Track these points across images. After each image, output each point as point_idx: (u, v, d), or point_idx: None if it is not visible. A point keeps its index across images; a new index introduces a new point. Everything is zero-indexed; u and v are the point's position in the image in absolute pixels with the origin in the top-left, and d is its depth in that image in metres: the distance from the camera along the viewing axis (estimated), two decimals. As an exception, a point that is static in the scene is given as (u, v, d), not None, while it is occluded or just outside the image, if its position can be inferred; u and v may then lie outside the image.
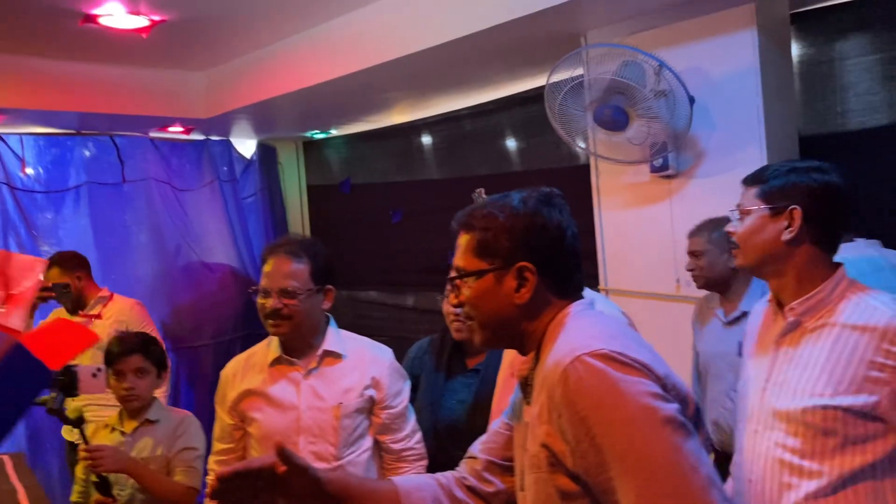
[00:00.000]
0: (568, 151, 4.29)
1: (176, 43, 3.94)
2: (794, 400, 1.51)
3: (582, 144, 3.23)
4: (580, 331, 1.19)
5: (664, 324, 3.12)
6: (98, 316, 3.63)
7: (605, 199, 3.40)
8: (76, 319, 3.61)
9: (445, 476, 1.43)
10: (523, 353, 1.33)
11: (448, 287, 2.36)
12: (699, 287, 2.81)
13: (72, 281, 3.64)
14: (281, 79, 4.17)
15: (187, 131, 5.21)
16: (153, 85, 4.53)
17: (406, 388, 2.24)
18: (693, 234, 2.79)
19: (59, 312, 3.75)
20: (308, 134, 5.96)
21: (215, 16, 3.58)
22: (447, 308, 2.38)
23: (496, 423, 1.47)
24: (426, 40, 3.36)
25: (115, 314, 3.66)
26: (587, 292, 1.35)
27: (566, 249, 1.28)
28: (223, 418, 2.19)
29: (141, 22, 3.46)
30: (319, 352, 2.12)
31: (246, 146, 5.88)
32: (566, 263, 1.29)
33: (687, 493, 1.03)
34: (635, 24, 3.11)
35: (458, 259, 1.32)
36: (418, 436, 2.26)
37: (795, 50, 3.20)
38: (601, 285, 3.42)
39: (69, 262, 3.70)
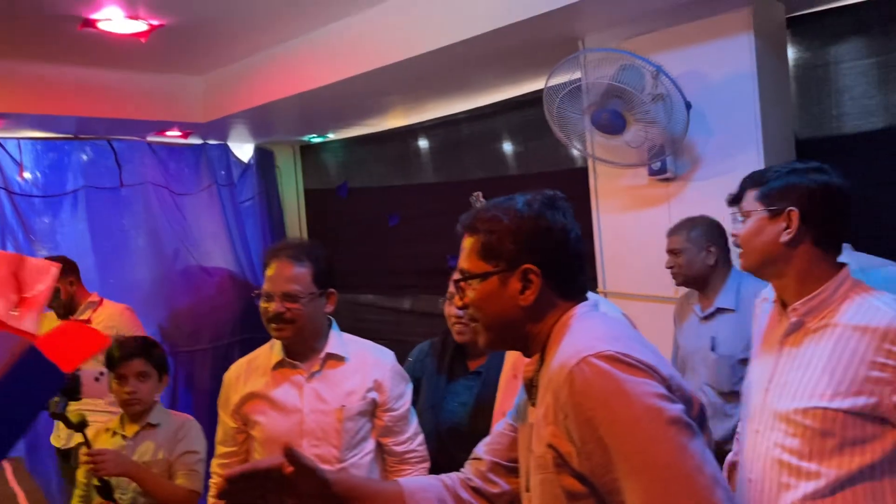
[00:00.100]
0: (566, 155, 4.30)
1: (174, 47, 3.95)
2: (794, 401, 1.52)
3: (580, 147, 3.25)
4: (585, 332, 1.20)
5: (662, 326, 3.13)
6: (88, 321, 3.62)
7: (603, 202, 3.41)
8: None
9: (450, 477, 1.44)
10: (528, 354, 1.33)
11: (449, 289, 2.39)
12: (678, 284, 2.90)
13: (63, 286, 3.63)
14: (278, 83, 4.18)
15: (185, 135, 5.22)
16: (151, 89, 4.53)
17: (408, 390, 2.25)
18: (672, 233, 2.87)
19: (49, 317, 3.74)
20: (306, 138, 5.96)
21: (213, 20, 3.58)
22: (449, 310, 2.40)
23: (500, 425, 1.48)
24: (424, 44, 3.37)
25: (105, 319, 3.64)
26: (590, 295, 1.37)
27: (570, 252, 1.29)
28: (226, 422, 2.19)
29: (139, 26, 3.47)
30: (322, 355, 2.13)
31: (243, 150, 5.88)
32: (570, 266, 1.30)
33: (692, 492, 1.04)
34: (633, 27, 3.13)
35: (463, 261, 1.33)
36: (420, 438, 2.27)
37: (791, 54, 3.23)
38: (599, 288, 3.43)
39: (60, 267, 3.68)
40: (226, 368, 2.29)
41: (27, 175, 4.71)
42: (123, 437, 2.47)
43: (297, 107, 4.48)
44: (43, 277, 1.28)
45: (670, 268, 2.86)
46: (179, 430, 2.49)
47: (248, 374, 2.18)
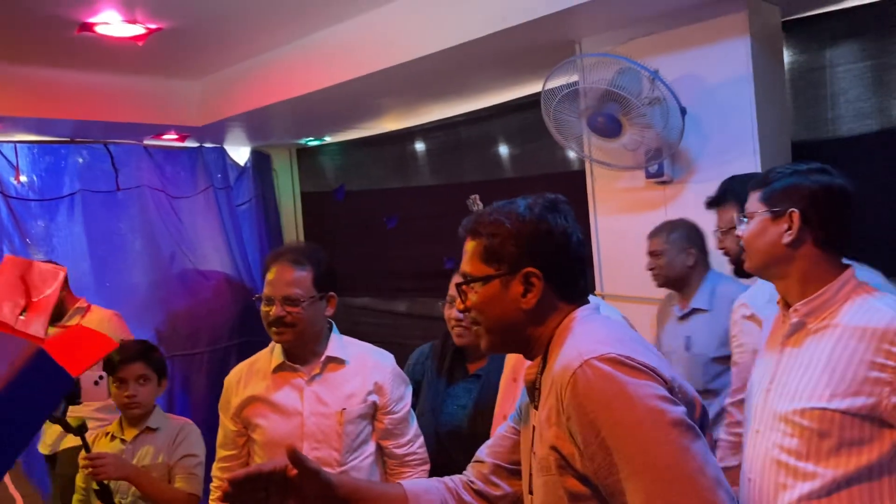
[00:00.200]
0: (563, 157, 4.32)
1: (171, 51, 3.95)
2: (793, 401, 1.53)
3: (577, 150, 3.26)
4: (587, 335, 1.21)
5: (660, 328, 3.15)
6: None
7: (600, 204, 3.42)
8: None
9: (453, 480, 1.45)
10: (530, 357, 1.34)
11: (449, 292, 2.39)
12: (659, 285, 2.97)
13: None
14: (275, 87, 4.18)
15: (182, 139, 5.21)
16: (148, 93, 4.53)
17: (408, 393, 2.25)
18: (652, 236, 2.95)
19: None
20: (302, 141, 5.96)
21: (210, 24, 3.59)
22: (448, 313, 2.40)
23: (502, 428, 1.48)
24: (421, 48, 3.38)
25: (93, 325, 3.61)
26: (592, 297, 1.37)
27: (571, 255, 1.30)
28: (227, 425, 2.19)
29: (137, 30, 3.47)
30: (322, 358, 2.14)
31: (240, 153, 5.88)
32: (571, 269, 1.31)
33: (694, 494, 1.05)
34: (630, 31, 3.15)
35: (465, 265, 1.34)
36: (420, 440, 2.27)
37: (787, 57, 3.24)
38: (597, 290, 3.44)
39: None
40: (223, 372, 2.30)
41: (23, 178, 4.70)
42: (122, 440, 2.47)
43: (293, 110, 4.49)
44: (50, 282, 1.29)
45: (651, 269, 2.95)
46: (178, 434, 2.49)
47: (249, 377, 2.18)
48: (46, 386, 1.00)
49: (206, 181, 5.53)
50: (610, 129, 2.99)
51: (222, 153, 5.70)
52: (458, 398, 2.42)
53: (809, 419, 1.49)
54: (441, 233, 4.69)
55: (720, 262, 2.78)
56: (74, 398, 2.08)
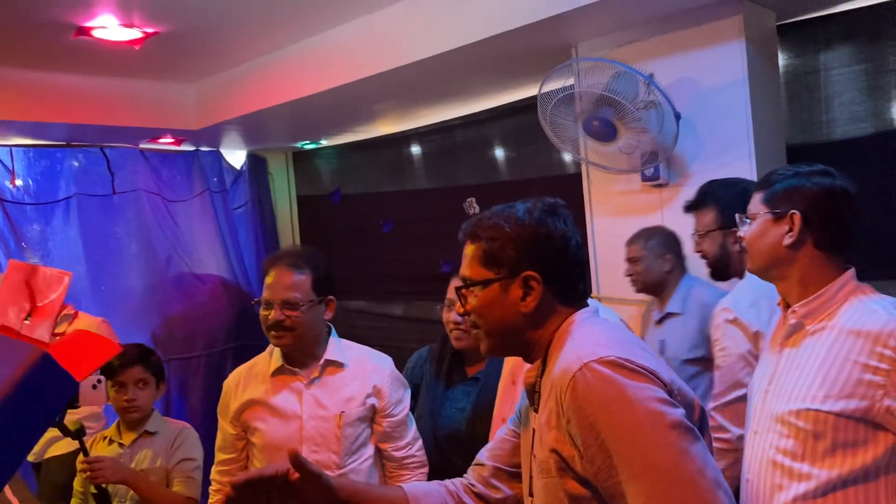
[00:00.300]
0: (559, 161, 4.33)
1: (168, 55, 3.95)
2: (789, 402, 1.53)
3: (574, 153, 3.27)
4: (587, 338, 1.22)
5: (656, 331, 3.15)
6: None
7: (596, 207, 3.44)
8: None
9: (454, 483, 1.46)
10: (529, 360, 1.35)
11: (448, 295, 2.40)
12: (637, 291, 3.03)
13: None
14: (271, 90, 4.19)
15: (178, 142, 5.21)
16: (144, 96, 4.53)
17: (406, 396, 2.26)
18: (630, 242, 3.02)
19: None
20: (298, 144, 5.96)
21: (207, 28, 3.59)
22: (447, 317, 2.41)
23: (502, 430, 1.49)
24: (417, 52, 3.39)
25: None
26: (591, 301, 1.38)
27: (570, 258, 1.31)
28: (226, 428, 2.20)
29: (134, 34, 3.47)
30: (321, 361, 2.14)
31: (236, 157, 5.88)
32: (570, 272, 1.31)
33: (694, 495, 1.06)
34: (625, 35, 3.16)
35: (465, 269, 1.35)
36: (419, 443, 2.28)
37: (782, 61, 3.26)
38: (594, 293, 3.45)
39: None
40: (219, 376, 2.31)
41: (19, 182, 4.69)
42: (120, 444, 2.47)
43: (289, 114, 4.49)
44: (55, 286, 1.29)
45: (629, 275, 3.01)
46: (177, 438, 2.49)
47: (248, 380, 2.19)
48: (51, 390, 1.00)
49: (202, 185, 5.52)
50: (605, 133, 3.00)
51: (218, 157, 5.70)
52: (456, 401, 2.43)
53: (804, 420, 1.49)
54: (437, 236, 4.70)
55: (699, 266, 2.80)
56: (73, 401, 2.08)
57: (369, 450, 2.19)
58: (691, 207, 2.60)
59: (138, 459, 2.44)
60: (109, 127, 4.50)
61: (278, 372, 2.14)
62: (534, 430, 1.28)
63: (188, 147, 5.44)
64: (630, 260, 3.00)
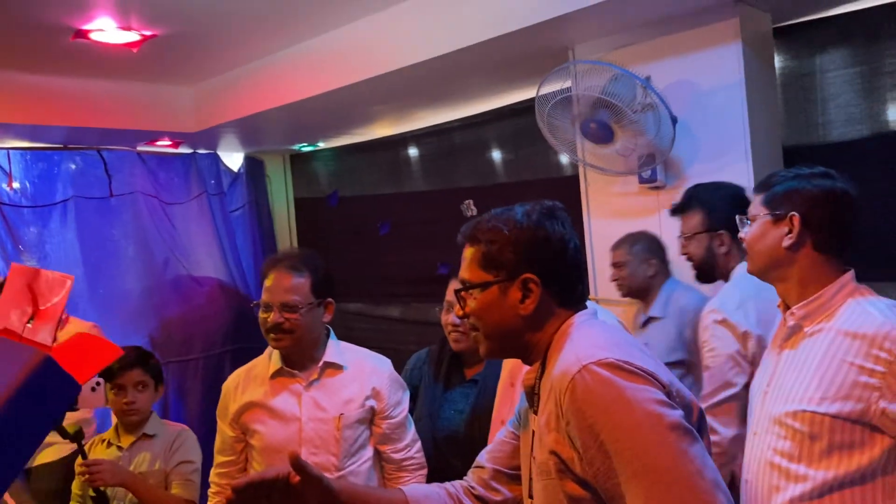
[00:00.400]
0: (557, 163, 4.33)
1: (165, 57, 3.95)
2: (786, 404, 1.54)
3: (571, 154, 3.28)
4: (585, 340, 1.23)
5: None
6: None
7: (594, 209, 3.44)
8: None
9: (454, 485, 1.46)
10: (528, 362, 1.35)
11: (446, 298, 2.41)
12: (623, 295, 3.07)
13: None
14: (268, 93, 4.19)
15: (175, 145, 5.21)
16: (142, 99, 4.53)
17: (405, 398, 2.26)
18: (615, 247, 3.06)
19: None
20: (295, 147, 5.96)
21: (204, 31, 3.59)
22: (445, 319, 2.41)
23: (502, 433, 1.49)
24: (415, 55, 3.39)
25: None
26: (589, 303, 1.39)
27: (569, 261, 1.32)
28: (225, 431, 2.20)
29: (132, 37, 3.47)
30: (320, 364, 2.14)
31: (233, 159, 5.88)
32: (569, 275, 1.32)
33: (693, 496, 1.06)
34: (622, 38, 3.17)
35: (464, 271, 1.35)
36: (418, 445, 2.28)
37: (778, 63, 3.27)
38: (591, 295, 3.46)
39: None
40: (217, 378, 2.31)
41: (16, 185, 4.68)
42: (119, 447, 2.47)
43: (286, 116, 4.49)
44: (57, 290, 1.30)
45: (615, 280, 3.05)
46: (175, 440, 2.50)
47: (247, 383, 2.19)
48: (54, 393, 1.01)
49: (199, 187, 5.52)
50: (602, 135, 3.01)
51: (216, 159, 5.70)
52: (455, 403, 2.43)
53: (801, 422, 1.50)
54: (435, 238, 4.71)
55: (684, 268, 2.80)
56: (72, 404, 2.08)
57: (368, 452, 2.19)
58: (677, 210, 2.62)
59: (137, 462, 2.44)
60: (107, 129, 4.50)
61: (277, 374, 2.15)
62: (533, 431, 1.29)
63: (185, 149, 5.44)
64: (615, 265, 3.04)
